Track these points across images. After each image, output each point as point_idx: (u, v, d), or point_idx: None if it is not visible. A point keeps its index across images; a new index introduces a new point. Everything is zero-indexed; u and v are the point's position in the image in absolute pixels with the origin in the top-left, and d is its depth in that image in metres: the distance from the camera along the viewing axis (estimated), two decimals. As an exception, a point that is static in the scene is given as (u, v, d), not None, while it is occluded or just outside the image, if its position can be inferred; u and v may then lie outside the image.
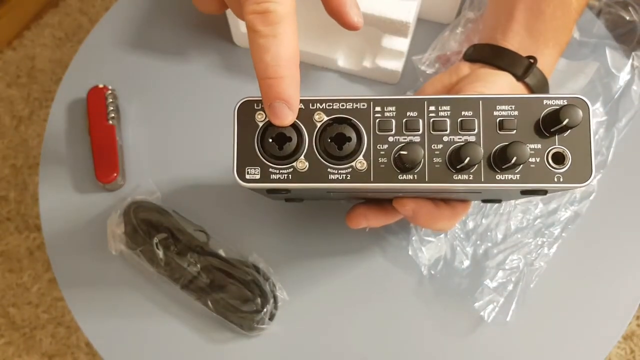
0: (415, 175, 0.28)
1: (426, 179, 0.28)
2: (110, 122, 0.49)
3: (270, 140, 0.28)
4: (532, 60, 0.37)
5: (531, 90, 0.38)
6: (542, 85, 0.38)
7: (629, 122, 0.48)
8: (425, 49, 0.50)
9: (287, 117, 0.27)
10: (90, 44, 0.54)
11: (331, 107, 0.28)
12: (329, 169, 0.28)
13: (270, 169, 0.28)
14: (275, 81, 0.26)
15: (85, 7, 1.14)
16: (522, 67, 0.37)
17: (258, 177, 0.28)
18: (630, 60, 0.49)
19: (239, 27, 0.50)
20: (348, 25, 0.30)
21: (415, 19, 0.49)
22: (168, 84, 0.51)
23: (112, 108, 0.49)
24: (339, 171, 0.28)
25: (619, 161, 0.47)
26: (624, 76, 0.49)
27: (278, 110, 0.27)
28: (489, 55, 0.39)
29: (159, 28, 0.53)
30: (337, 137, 0.28)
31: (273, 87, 0.26)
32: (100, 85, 0.50)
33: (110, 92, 0.50)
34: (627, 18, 0.51)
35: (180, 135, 0.50)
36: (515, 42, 0.39)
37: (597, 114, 0.48)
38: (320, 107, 0.28)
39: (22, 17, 1.12)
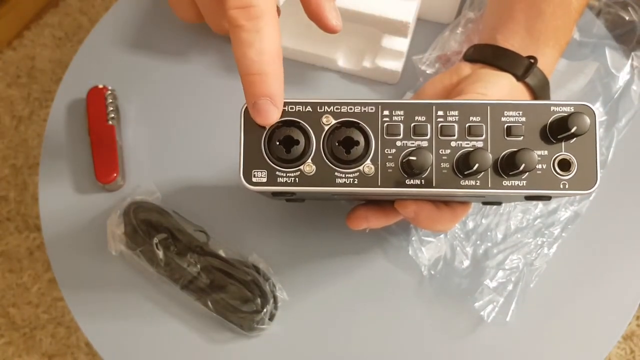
0: (423, 180, 0.28)
1: (433, 184, 0.28)
2: (110, 122, 0.49)
3: (278, 143, 0.28)
4: (532, 60, 0.37)
5: (532, 90, 0.38)
6: (542, 85, 0.38)
7: (629, 122, 0.48)
8: (425, 49, 0.50)
9: (272, 114, 0.26)
10: (90, 44, 0.54)
11: (339, 110, 0.28)
12: (336, 173, 0.28)
13: (277, 172, 0.28)
14: (259, 77, 0.25)
15: (85, 7, 1.14)
16: (522, 67, 0.37)
17: (265, 180, 0.28)
18: (630, 60, 0.49)
19: (239, 27, 0.50)
20: (327, 29, 0.30)
21: (415, 19, 0.49)
22: (168, 84, 0.51)
23: (112, 108, 0.49)
24: (347, 175, 0.28)
25: (619, 161, 0.47)
26: (623, 76, 0.49)
27: (263, 107, 0.26)
28: (489, 55, 0.39)
29: (159, 28, 0.53)
30: (345, 141, 0.28)
31: (257, 84, 0.26)
32: (100, 86, 0.50)
33: (110, 92, 0.50)
34: (627, 18, 0.51)
35: (180, 135, 0.50)
36: (516, 42, 0.39)
37: (597, 114, 0.48)
38: (329, 110, 0.28)
39: (22, 17, 1.12)
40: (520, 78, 0.37)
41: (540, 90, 0.38)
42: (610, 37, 0.51)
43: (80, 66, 0.53)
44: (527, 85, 0.38)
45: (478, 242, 0.46)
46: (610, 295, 0.45)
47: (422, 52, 0.50)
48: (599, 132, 0.48)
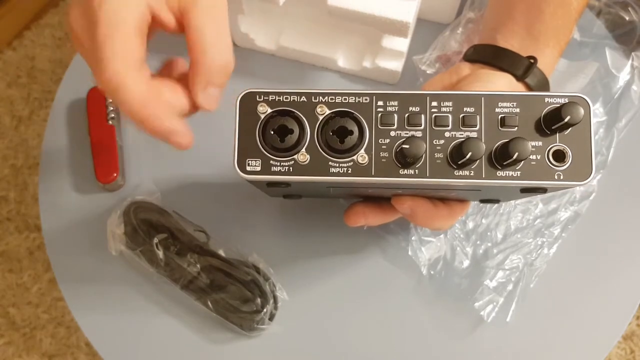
0: (417, 170, 0.28)
1: (427, 174, 0.27)
2: (110, 122, 0.49)
3: (272, 132, 0.28)
4: (532, 60, 0.37)
5: (532, 90, 0.38)
6: (542, 85, 0.38)
7: (629, 122, 0.48)
8: (425, 49, 0.50)
9: (182, 142, 0.29)
10: (90, 44, 0.53)
11: (334, 101, 0.28)
12: (330, 162, 0.28)
13: (271, 161, 0.28)
14: (147, 124, 0.28)
15: (85, 7, 1.14)
16: (522, 67, 0.37)
17: (259, 169, 0.28)
18: (630, 61, 0.49)
19: (238, 27, 0.50)
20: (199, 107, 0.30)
21: (415, 19, 0.49)
22: (168, 84, 0.51)
23: (112, 108, 0.49)
24: (340, 164, 0.28)
25: (619, 161, 0.47)
26: (623, 76, 0.49)
27: (172, 140, 0.29)
28: (489, 55, 0.39)
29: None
30: (339, 130, 0.28)
31: (149, 129, 0.28)
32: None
33: (110, 92, 0.50)
34: (627, 18, 0.51)
35: (180, 135, 0.50)
36: (516, 42, 0.39)
37: (597, 114, 0.48)
38: (323, 100, 0.28)
39: (22, 17, 1.12)
40: (520, 78, 0.37)
41: (540, 90, 0.38)
42: (611, 37, 0.51)
43: (80, 66, 0.53)
44: (527, 86, 0.38)
45: (478, 242, 0.46)
46: (610, 295, 0.45)
47: (422, 52, 0.50)
48: (600, 132, 0.48)
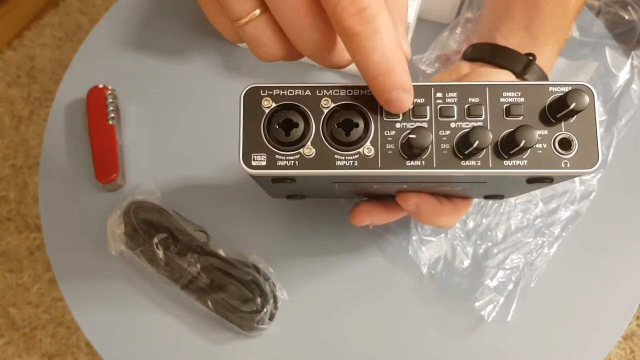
0: (423, 162, 0.27)
1: (434, 165, 0.27)
2: (110, 122, 0.49)
3: (277, 126, 0.27)
4: (530, 57, 0.37)
5: None
6: None
7: (629, 121, 0.48)
8: (425, 49, 0.50)
9: (407, 102, 0.25)
10: (90, 44, 0.54)
11: (338, 94, 0.28)
12: (336, 156, 0.28)
13: (277, 155, 0.28)
14: (389, 76, 0.24)
15: (85, 7, 1.14)
16: (521, 64, 0.37)
17: (264, 163, 0.28)
18: (630, 60, 0.49)
19: (238, 27, 0.50)
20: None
21: (415, 19, 0.49)
22: (168, 84, 0.51)
23: (112, 108, 0.49)
24: (347, 157, 0.28)
25: (619, 161, 0.47)
26: (623, 75, 0.49)
27: (397, 99, 0.25)
28: (488, 54, 0.39)
29: (159, 28, 0.53)
30: (344, 123, 0.28)
31: (389, 82, 0.25)
32: (100, 85, 0.50)
33: (110, 92, 0.50)
34: (627, 17, 0.51)
35: (180, 135, 0.50)
36: (515, 40, 0.39)
37: (597, 113, 0.48)
38: (327, 94, 0.28)
39: (22, 17, 1.12)
40: (519, 75, 0.37)
41: None
42: (610, 37, 0.51)
43: (80, 66, 0.53)
44: None
45: (478, 242, 0.46)
46: (610, 295, 0.45)
47: (422, 52, 0.50)
48: (600, 131, 0.48)
